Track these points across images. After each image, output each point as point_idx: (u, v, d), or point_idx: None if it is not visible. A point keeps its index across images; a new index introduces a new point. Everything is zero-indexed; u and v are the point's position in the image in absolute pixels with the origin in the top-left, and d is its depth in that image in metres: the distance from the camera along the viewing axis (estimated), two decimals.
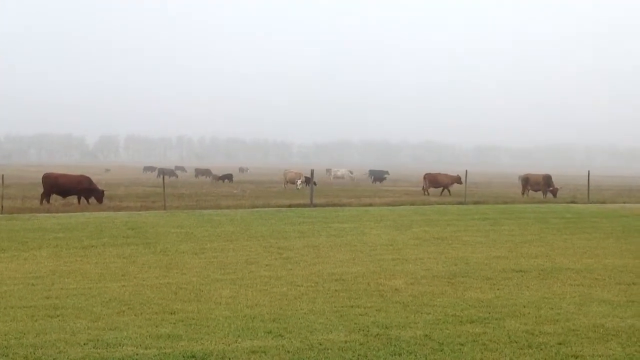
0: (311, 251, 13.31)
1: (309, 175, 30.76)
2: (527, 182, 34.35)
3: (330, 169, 71.75)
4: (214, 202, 25.32)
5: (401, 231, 16.31)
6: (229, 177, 54.02)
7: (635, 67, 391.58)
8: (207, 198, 28.79)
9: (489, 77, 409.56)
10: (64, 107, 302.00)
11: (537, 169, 47.15)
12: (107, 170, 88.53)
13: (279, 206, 23.11)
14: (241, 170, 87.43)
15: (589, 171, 29.95)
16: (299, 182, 40.50)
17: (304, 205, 23.26)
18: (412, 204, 24.87)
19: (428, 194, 33.08)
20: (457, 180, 34.81)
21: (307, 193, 26.44)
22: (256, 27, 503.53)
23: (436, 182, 34.53)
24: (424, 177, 35.12)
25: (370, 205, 24.06)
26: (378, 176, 59.77)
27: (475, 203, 25.45)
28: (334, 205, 23.93)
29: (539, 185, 33.55)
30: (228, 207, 22.54)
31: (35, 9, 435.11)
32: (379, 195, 32.44)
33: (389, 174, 68.56)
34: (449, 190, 33.78)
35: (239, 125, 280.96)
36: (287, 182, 42.63)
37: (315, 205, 23.18)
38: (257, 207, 22.85)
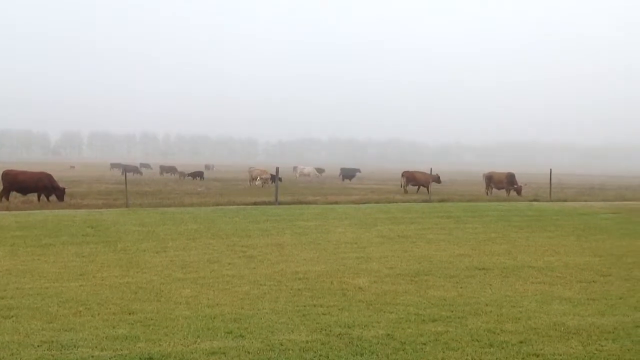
0: (275, 250, 13.18)
1: (274, 173, 30.63)
2: (491, 180, 34.73)
3: (297, 167, 71.59)
4: (177, 200, 25.03)
5: (366, 229, 16.28)
6: (199, 174, 53.22)
7: (595, 68, 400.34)
8: (170, 196, 28.46)
9: (452, 78, 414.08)
10: (23, 103, 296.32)
11: (501, 167, 47.74)
12: (72, 167, 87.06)
13: (244, 204, 22.92)
14: (207, 167, 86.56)
15: (550, 169, 30.30)
16: (258, 179, 40.28)
17: (269, 203, 23.12)
18: (377, 201, 24.90)
19: (406, 191, 33.25)
20: (436, 179, 35.08)
21: (273, 191, 26.29)
22: (223, 24, 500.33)
23: (414, 180, 34.68)
24: (402, 175, 35.27)
25: (336, 203, 24.03)
26: (347, 174, 59.74)
27: (440, 201, 25.58)
28: (299, 203, 23.84)
29: (502, 184, 33.94)
30: (192, 205, 22.29)
31: None
32: (345, 193, 32.43)
33: (360, 172, 68.93)
34: (427, 189, 33.80)
35: (205, 122, 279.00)
36: (253, 179, 42.42)
37: (280, 203, 23.06)
38: (222, 204, 22.65)
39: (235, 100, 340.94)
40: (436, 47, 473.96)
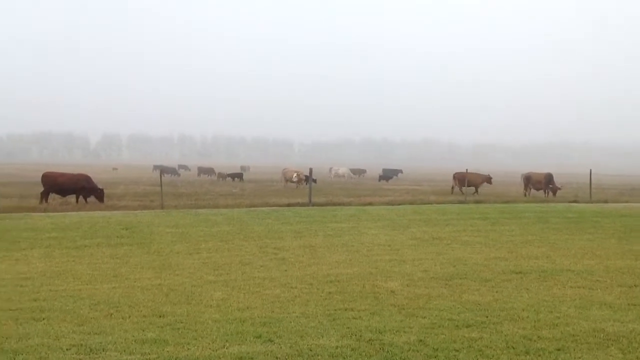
0: (307, 252, 13.08)
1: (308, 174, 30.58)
2: (529, 181, 34.13)
3: (332, 168, 71.66)
4: (212, 201, 25.12)
5: (399, 231, 16.08)
6: (239, 175, 53.32)
7: (636, 66, 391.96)
8: (205, 197, 28.60)
9: (488, 75, 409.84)
10: (65, 106, 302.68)
11: (537, 168, 47.08)
12: (115, 169, 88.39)
13: (277, 205, 22.90)
14: (242, 168, 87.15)
15: (590, 170, 29.63)
16: (295, 176, 40.30)
17: (303, 205, 23.04)
18: (411, 203, 24.64)
19: (462, 191, 33.05)
20: (487, 179, 34.83)
21: (306, 192, 26.21)
22: (255, 29, 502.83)
23: (465, 181, 34.42)
24: (453, 176, 35.09)
25: (370, 204, 23.84)
26: (385, 175, 59.62)
27: (476, 202, 25.21)
28: (333, 204, 23.72)
29: (541, 184, 33.35)
30: (226, 207, 22.33)
31: (36, 10, 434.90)
32: (379, 194, 32.19)
33: (402, 172, 69.25)
34: (476, 190, 33.63)
35: (240, 123, 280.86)
36: (287, 180, 42.43)
37: (314, 205, 22.96)
38: (256, 206, 22.65)
39: (269, 102, 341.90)
40: (469, 47, 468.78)
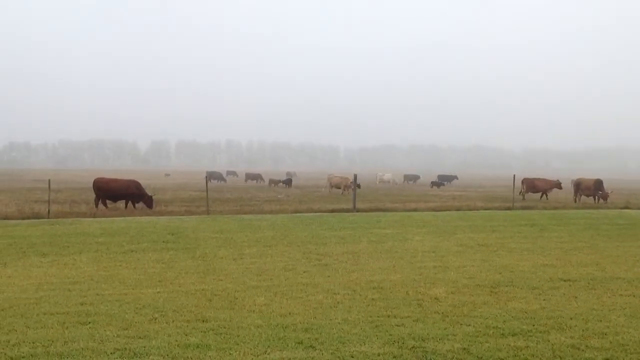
0: (350, 258, 13.03)
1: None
2: (579, 187, 33.45)
3: (378, 174, 71.60)
4: (257, 207, 25.28)
5: (444, 237, 15.89)
6: (288, 182, 53.99)
7: None
8: (251, 203, 28.80)
9: (539, 79, 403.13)
10: (114, 114, 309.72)
11: (590, 174, 46.07)
12: (167, 175, 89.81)
13: (321, 211, 22.90)
14: (288, 174, 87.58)
15: None
16: (350, 183, 40.46)
17: (347, 210, 22.99)
18: (457, 209, 24.35)
19: (524, 198, 33.10)
20: (557, 185, 34.76)
21: (351, 198, 26.16)
22: (304, 35, 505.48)
23: (534, 187, 34.42)
24: (522, 182, 34.99)
25: (415, 210, 23.65)
26: (437, 182, 59.48)
27: (524, 208, 24.78)
28: (377, 210, 23.61)
29: (590, 190, 32.67)
30: (271, 212, 22.44)
31: (84, 16, 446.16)
32: (424, 200, 31.92)
33: (457, 178, 69.11)
34: (546, 195, 33.70)
35: (286, 129, 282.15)
36: (332, 186, 42.43)
37: (358, 210, 22.89)
38: (300, 211, 22.70)
39: (315, 107, 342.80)
40: (518, 48, 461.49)
